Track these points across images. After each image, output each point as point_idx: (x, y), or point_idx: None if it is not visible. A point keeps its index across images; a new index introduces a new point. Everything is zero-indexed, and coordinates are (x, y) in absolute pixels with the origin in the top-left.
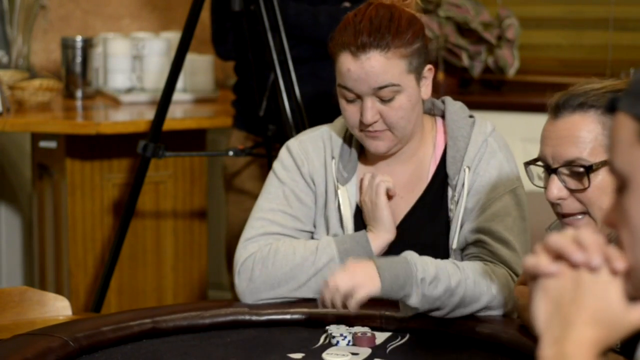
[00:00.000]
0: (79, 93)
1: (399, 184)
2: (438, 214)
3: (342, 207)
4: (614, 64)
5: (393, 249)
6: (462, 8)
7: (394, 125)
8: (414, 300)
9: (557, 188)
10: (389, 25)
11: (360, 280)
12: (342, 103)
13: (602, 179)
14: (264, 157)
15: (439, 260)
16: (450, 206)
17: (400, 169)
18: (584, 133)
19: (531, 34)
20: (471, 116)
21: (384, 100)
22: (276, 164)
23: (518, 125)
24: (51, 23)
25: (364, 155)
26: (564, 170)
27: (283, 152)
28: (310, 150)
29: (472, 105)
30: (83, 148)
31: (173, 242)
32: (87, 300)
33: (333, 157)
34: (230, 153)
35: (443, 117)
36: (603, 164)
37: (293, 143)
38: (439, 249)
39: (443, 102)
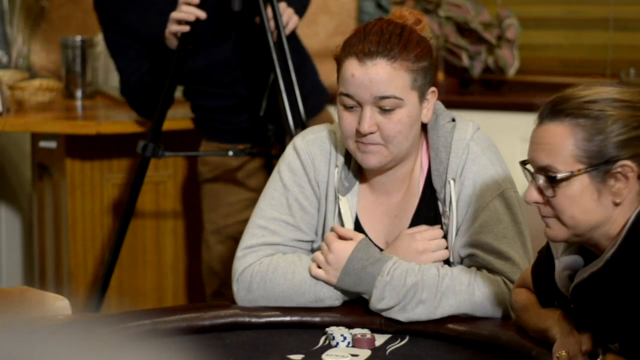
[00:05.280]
0: (79, 93)
1: (394, 203)
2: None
3: (343, 218)
4: (614, 64)
5: None
6: (462, 8)
7: (390, 139)
8: (373, 300)
9: (533, 192)
10: (399, 39)
11: (331, 262)
12: (340, 111)
13: (570, 189)
14: (262, 156)
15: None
16: (444, 220)
17: (395, 187)
18: (557, 141)
19: (531, 34)
20: (453, 120)
21: (383, 111)
22: (282, 165)
23: (518, 125)
24: (51, 23)
25: (362, 169)
26: (539, 178)
27: (290, 152)
28: (318, 153)
29: (472, 105)
30: (83, 148)
31: (173, 242)
32: (87, 301)
33: (336, 166)
34: (230, 153)
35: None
36: (571, 175)
37: (300, 143)
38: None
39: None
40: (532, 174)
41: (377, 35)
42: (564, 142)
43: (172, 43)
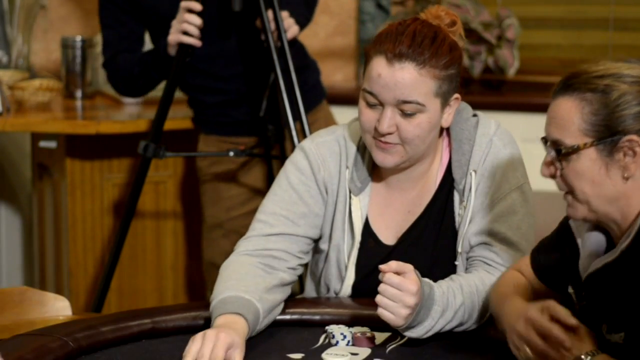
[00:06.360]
0: (79, 93)
1: (408, 199)
2: (444, 220)
3: (353, 218)
4: None
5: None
6: (462, 8)
7: (408, 141)
8: (414, 334)
9: (546, 166)
10: (431, 44)
11: (398, 310)
12: (362, 106)
13: (579, 163)
14: (262, 156)
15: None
16: (459, 211)
17: (410, 184)
18: (565, 115)
19: (531, 34)
20: (475, 115)
21: (404, 114)
22: (289, 166)
23: (518, 125)
24: (51, 23)
25: (377, 167)
26: (551, 151)
27: (298, 154)
28: (327, 155)
29: (472, 106)
30: (83, 148)
31: (173, 242)
32: (87, 301)
33: (347, 167)
34: (231, 154)
35: None
36: (577, 148)
37: (309, 145)
38: (446, 255)
39: None
40: (546, 148)
41: (410, 37)
42: (572, 116)
43: (174, 50)
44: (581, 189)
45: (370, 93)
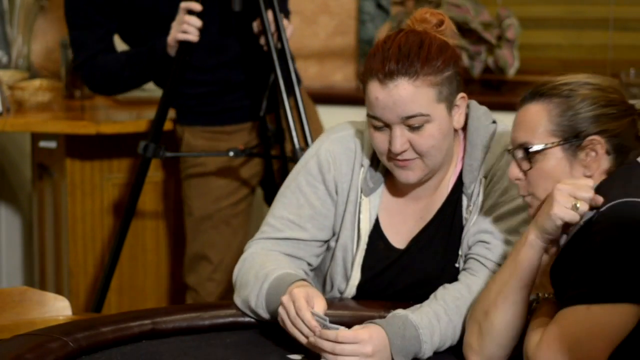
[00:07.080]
0: (78, 93)
1: (421, 206)
2: (454, 224)
3: (361, 219)
4: (614, 64)
5: (406, 266)
6: (462, 8)
7: (424, 153)
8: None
9: (514, 169)
10: (418, 52)
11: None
12: (371, 131)
13: (546, 162)
14: (262, 156)
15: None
16: (465, 215)
17: (424, 192)
18: (533, 118)
19: (531, 34)
20: (494, 122)
21: (413, 129)
22: (299, 165)
23: None
24: (51, 23)
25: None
26: (518, 153)
27: (309, 152)
28: (340, 153)
29: None
30: (83, 148)
31: (173, 242)
32: (87, 301)
33: (362, 166)
34: (231, 154)
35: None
36: (545, 147)
37: (323, 144)
38: (455, 259)
39: (468, 106)
40: (513, 152)
41: (396, 52)
42: (540, 119)
43: (173, 51)
44: (545, 188)
45: (374, 117)
